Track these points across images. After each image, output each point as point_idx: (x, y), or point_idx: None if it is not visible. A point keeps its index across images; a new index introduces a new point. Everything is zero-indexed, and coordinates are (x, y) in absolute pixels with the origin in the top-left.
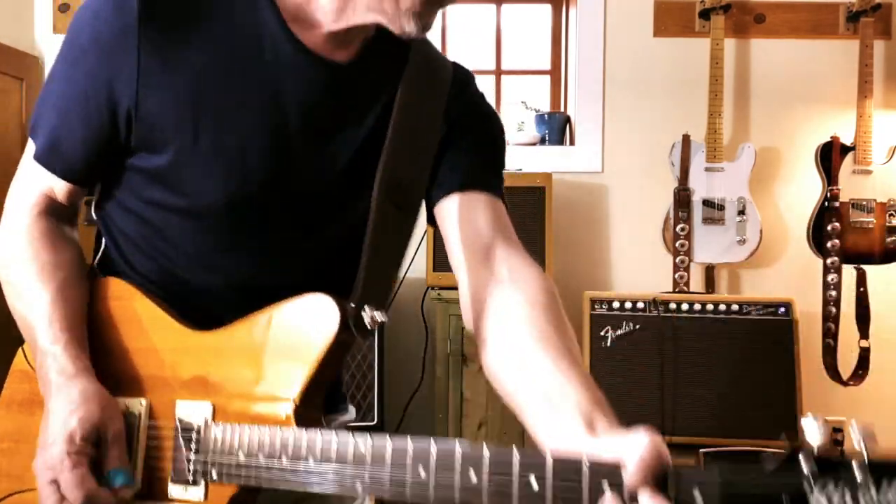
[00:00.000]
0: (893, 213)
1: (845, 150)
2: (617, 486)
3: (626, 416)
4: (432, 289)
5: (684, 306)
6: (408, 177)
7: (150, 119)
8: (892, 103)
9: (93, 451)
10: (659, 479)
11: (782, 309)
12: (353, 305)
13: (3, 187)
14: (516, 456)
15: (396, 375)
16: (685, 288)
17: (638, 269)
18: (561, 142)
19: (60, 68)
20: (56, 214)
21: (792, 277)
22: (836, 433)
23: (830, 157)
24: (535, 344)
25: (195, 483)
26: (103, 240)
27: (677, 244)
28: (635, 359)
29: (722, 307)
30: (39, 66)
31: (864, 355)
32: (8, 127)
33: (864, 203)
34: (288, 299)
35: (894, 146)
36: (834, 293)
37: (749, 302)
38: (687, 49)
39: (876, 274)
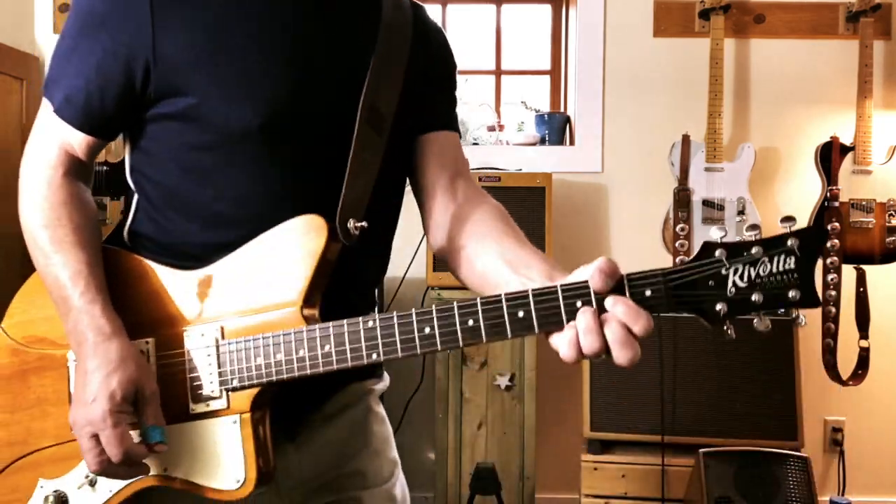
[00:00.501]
0: (893, 213)
1: (845, 150)
2: (587, 301)
3: (626, 416)
4: (432, 289)
5: None
6: (385, 103)
7: (168, 61)
8: (892, 103)
9: (130, 409)
10: (617, 286)
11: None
12: (339, 219)
13: (3, 188)
14: (503, 296)
15: (396, 375)
16: None
17: (638, 269)
18: (561, 142)
19: (73, 23)
20: (77, 174)
21: None
22: (835, 433)
23: (830, 157)
24: (499, 236)
25: (217, 396)
26: (133, 206)
27: (677, 244)
28: None
29: None
30: (39, 66)
31: (864, 355)
32: (8, 127)
33: (864, 203)
34: (276, 227)
35: (894, 146)
36: (834, 293)
37: None
38: (687, 49)
39: (876, 274)
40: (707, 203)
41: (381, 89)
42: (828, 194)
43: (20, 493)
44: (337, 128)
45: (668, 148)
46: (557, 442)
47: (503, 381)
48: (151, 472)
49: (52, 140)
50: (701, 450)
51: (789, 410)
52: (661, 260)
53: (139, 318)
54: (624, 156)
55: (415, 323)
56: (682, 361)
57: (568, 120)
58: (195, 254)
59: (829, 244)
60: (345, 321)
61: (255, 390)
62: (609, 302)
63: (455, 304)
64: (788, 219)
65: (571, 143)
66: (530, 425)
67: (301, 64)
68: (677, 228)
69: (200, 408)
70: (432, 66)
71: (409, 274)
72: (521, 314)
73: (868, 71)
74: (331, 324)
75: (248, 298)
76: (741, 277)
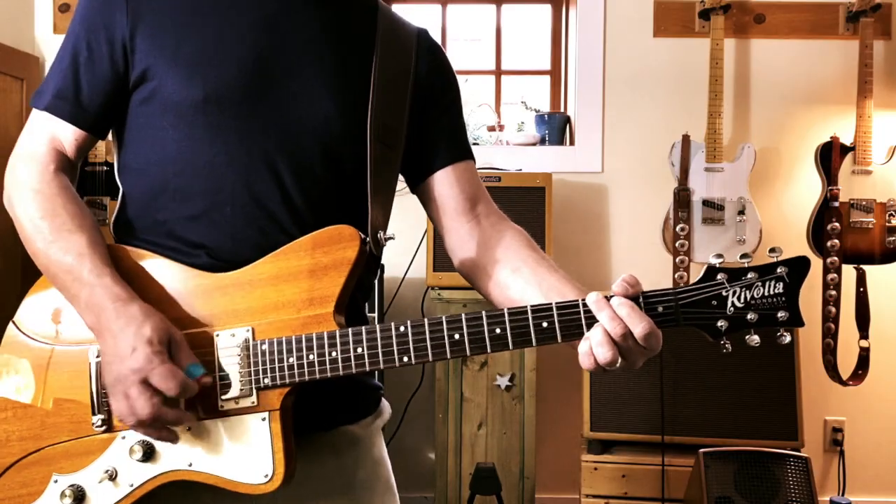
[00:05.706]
0: (893, 213)
1: (845, 150)
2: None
3: (626, 417)
4: (432, 289)
5: None
6: (392, 119)
7: (143, 46)
8: (892, 103)
9: (167, 353)
10: (635, 301)
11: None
12: (369, 231)
13: (2, 188)
14: (529, 308)
15: (396, 375)
16: None
17: (638, 269)
18: (561, 142)
19: (68, 31)
20: (65, 171)
21: None
22: (835, 433)
23: (830, 157)
24: (533, 266)
25: (247, 394)
26: (119, 200)
27: (677, 244)
28: None
29: None
30: (39, 66)
31: (864, 355)
32: (8, 127)
33: (864, 203)
34: (308, 235)
35: (894, 146)
36: (834, 293)
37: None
38: (687, 49)
39: (876, 274)
40: (707, 203)
41: (388, 104)
42: (828, 194)
43: (32, 487)
44: (300, 95)
45: (668, 148)
46: (557, 442)
47: (503, 381)
48: (176, 466)
49: (41, 138)
50: (701, 450)
51: (789, 410)
52: (661, 260)
53: (165, 317)
54: (624, 156)
55: (445, 330)
56: (683, 362)
57: (568, 120)
58: (167, 231)
59: (829, 244)
60: (377, 325)
61: (285, 389)
62: (615, 301)
63: (484, 313)
64: (775, 250)
65: (571, 143)
66: (530, 425)
67: (261, 41)
68: (677, 228)
69: (229, 405)
70: (446, 92)
71: (409, 274)
72: (545, 325)
73: (868, 71)
74: (363, 328)
75: (280, 301)
76: (738, 299)
